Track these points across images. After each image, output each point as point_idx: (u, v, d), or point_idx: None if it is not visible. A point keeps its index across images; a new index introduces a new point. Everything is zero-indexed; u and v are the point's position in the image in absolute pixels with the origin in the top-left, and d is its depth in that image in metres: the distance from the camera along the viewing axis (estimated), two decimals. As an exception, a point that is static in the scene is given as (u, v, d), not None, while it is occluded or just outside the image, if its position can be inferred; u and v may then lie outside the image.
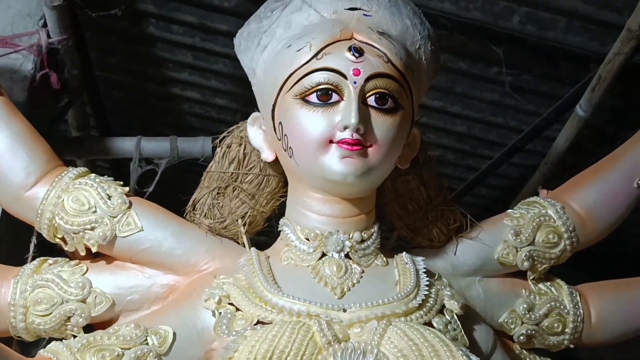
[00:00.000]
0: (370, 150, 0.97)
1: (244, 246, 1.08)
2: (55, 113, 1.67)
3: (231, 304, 0.96)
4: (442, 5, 1.89)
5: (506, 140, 2.51)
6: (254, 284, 0.96)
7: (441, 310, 0.99)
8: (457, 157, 2.73)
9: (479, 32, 1.90)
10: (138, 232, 1.04)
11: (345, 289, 0.97)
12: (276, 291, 0.95)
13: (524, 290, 1.14)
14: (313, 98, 0.96)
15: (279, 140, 1.02)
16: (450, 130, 2.53)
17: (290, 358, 0.86)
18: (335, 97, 0.96)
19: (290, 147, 1.00)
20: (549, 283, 1.17)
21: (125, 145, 1.70)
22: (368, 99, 0.97)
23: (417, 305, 0.96)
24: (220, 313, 0.95)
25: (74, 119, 1.91)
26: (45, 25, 1.49)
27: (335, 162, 0.96)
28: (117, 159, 1.83)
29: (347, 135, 0.94)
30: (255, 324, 0.93)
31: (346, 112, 0.94)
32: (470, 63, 2.14)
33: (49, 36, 1.47)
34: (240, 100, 2.48)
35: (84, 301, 1.02)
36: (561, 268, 1.18)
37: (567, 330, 1.14)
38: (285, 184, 1.11)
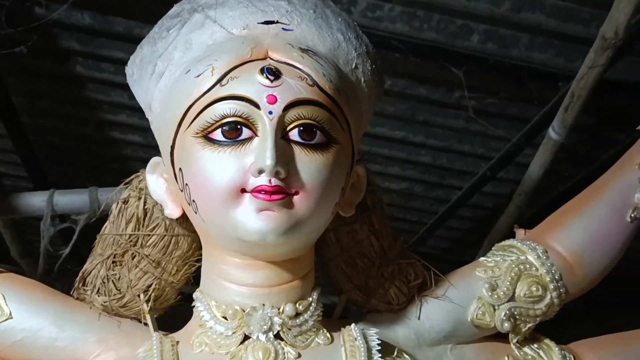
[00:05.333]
0: (296, 198, 0.75)
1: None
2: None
3: None
4: (394, 27, 1.76)
5: (475, 168, 2.40)
6: (151, 385, 0.73)
7: None
8: (424, 189, 2.62)
9: (436, 53, 1.77)
10: (5, 320, 0.82)
11: (276, 382, 0.75)
12: None
13: (506, 358, 0.94)
14: (218, 135, 0.75)
15: (182, 191, 0.80)
16: (415, 161, 2.41)
17: None
18: (246, 132, 0.75)
19: (193, 201, 0.77)
20: (535, 345, 0.97)
21: (35, 201, 1.46)
22: (290, 133, 0.76)
23: None
24: None
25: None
26: None
27: (250, 217, 0.73)
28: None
29: (263, 181, 0.73)
30: None
31: (260, 151, 0.73)
32: (430, 88, 2.02)
33: None
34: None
35: None
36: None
37: (561, 401, 0.93)
38: (200, 244, 0.89)
